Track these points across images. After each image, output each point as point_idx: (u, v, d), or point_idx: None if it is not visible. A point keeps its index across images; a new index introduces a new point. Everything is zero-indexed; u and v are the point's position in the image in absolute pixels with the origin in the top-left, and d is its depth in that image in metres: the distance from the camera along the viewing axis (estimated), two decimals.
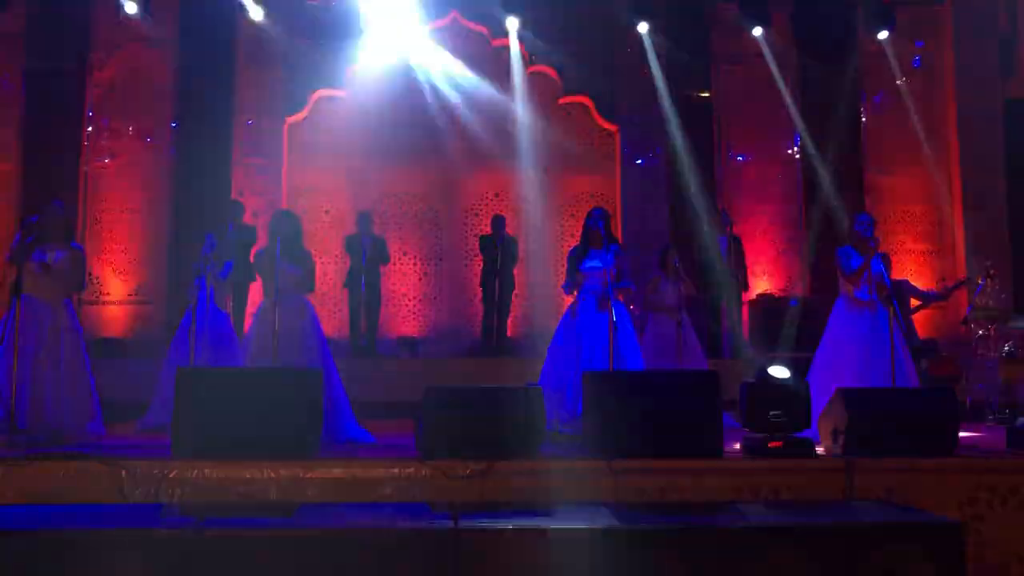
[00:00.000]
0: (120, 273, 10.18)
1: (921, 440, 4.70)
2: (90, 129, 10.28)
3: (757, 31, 10.52)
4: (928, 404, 5.07)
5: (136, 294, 10.17)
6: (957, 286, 9.14)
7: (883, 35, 10.56)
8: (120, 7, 9.83)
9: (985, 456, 4.82)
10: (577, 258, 6.40)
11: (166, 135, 10.37)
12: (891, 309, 5.97)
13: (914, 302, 8.64)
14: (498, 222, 9.86)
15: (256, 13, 10.05)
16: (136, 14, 9.92)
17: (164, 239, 10.20)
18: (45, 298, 5.67)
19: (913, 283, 9.03)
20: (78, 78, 10.24)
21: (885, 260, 8.24)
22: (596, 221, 6.36)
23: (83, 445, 5.25)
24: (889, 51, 10.81)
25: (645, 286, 7.91)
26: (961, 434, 4.97)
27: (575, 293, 6.51)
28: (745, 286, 9.79)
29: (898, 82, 11.00)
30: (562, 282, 6.87)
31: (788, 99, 10.89)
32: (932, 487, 4.55)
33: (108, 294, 10.15)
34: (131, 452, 4.70)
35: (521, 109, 10.93)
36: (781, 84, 10.65)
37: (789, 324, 8.89)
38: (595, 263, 6.25)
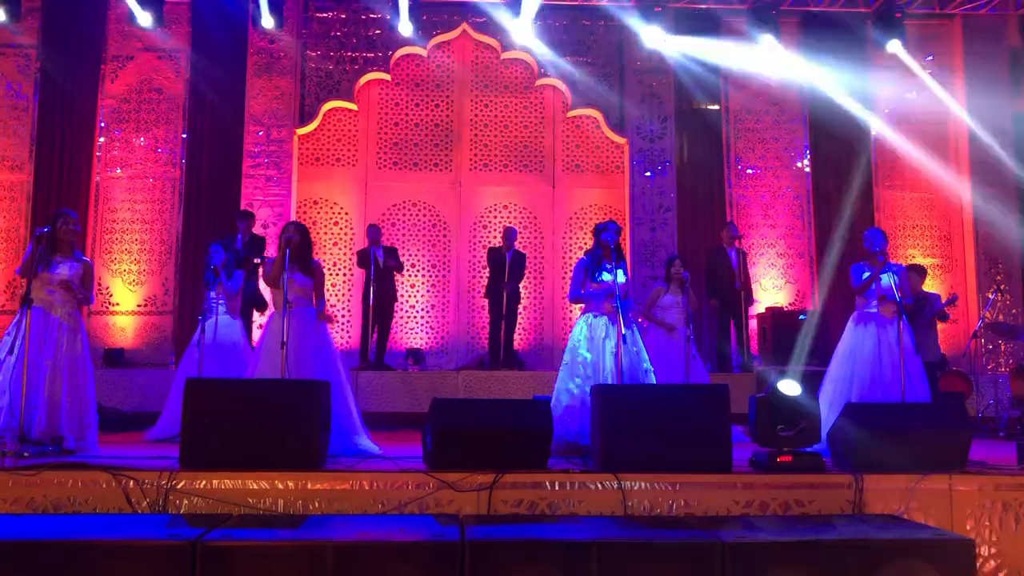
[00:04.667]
0: (130, 283, 10.21)
1: (932, 456, 4.67)
2: (102, 140, 10.35)
3: (766, 44, 10.53)
4: (938, 419, 5.04)
5: (146, 304, 10.20)
6: (949, 303, 9.04)
7: (893, 48, 10.56)
8: (133, 18, 9.93)
9: (996, 472, 4.77)
10: (588, 269, 6.31)
11: (177, 146, 10.43)
12: (900, 323, 5.95)
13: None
14: (510, 234, 9.85)
15: (267, 22, 10.13)
16: (149, 27, 10.03)
17: (174, 250, 10.23)
18: (56, 310, 5.69)
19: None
20: (90, 89, 10.30)
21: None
22: (612, 235, 6.25)
23: (91, 455, 5.26)
24: (899, 64, 10.80)
25: (647, 298, 7.87)
26: (971, 450, 4.93)
27: (583, 307, 6.46)
28: (750, 299, 9.78)
29: (907, 95, 10.99)
30: (567, 293, 6.79)
31: (797, 112, 10.91)
32: (943, 503, 4.52)
33: (117, 304, 10.18)
34: (139, 463, 4.70)
35: (531, 121, 10.97)
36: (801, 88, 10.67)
37: (799, 338, 8.85)
38: (608, 277, 6.16)
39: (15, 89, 10.33)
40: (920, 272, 8.34)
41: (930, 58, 11.01)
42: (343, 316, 10.51)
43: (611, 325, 6.10)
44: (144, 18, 9.96)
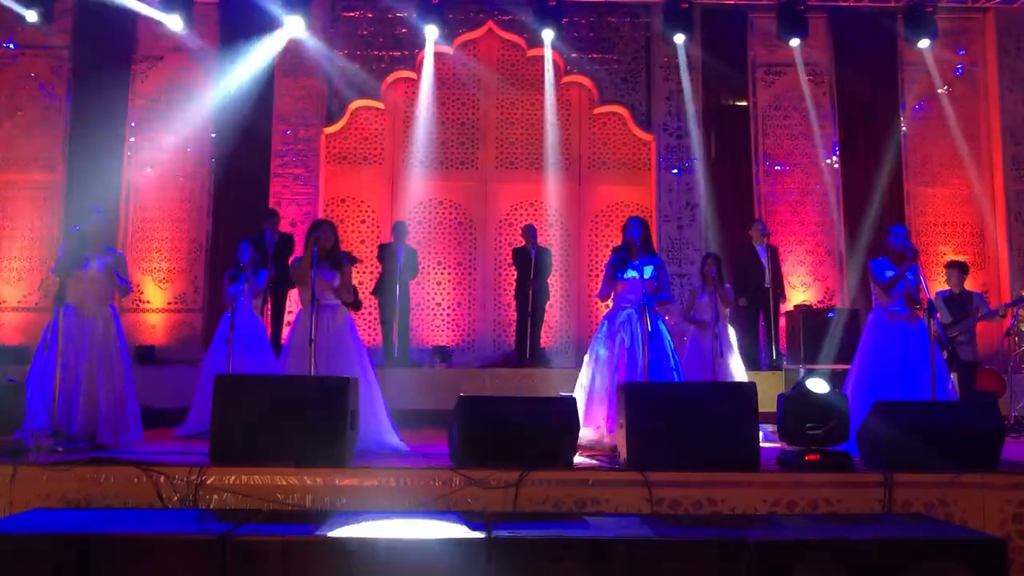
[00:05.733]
0: (160, 281, 10.34)
1: (963, 454, 4.61)
2: (132, 139, 10.47)
3: (794, 41, 10.45)
4: (970, 418, 4.97)
5: (176, 302, 10.32)
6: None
7: (924, 43, 10.45)
8: (161, 20, 10.04)
9: None
10: (615, 267, 6.32)
11: (206, 145, 10.52)
12: (930, 320, 5.87)
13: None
14: (529, 232, 9.86)
15: (294, 25, 10.21)
16: (178, 28, 10.12)
17: (203, 248, 10.34)
18: (90, 306, 5.77)
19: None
20: (121, 89, 10.42)
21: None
22: (633, 231, 6.27)
23: (123, 451, 5.32)
24: (930, 60, 10.67)
25: (685, 299, 7.84)
26: (1004, 449, 4.86)
27: (610, 303, 6.46)
28: (782, 296, 9.68)
29: (939, 91, 10.84)
30: (596, 291, 6.79)
31: (826, 108, 10.81)
32: (974, 502, 4.46)
33: (148, 302, 10.30)
34: (169, 458, 4.76)
35: (556, 119, 10.96)
36: (808, 95, 10.59)
37: (828, 336, 8.77)
38: (633, 273, 6.16)
39: (48, 90, 10.47)
40: (962, 269, 8.23)
41: (962, 52, 10.86)
42: (367, 312, 10.55)
43: (638, 321, 6.09)
44: (172, 20, 10.06)
